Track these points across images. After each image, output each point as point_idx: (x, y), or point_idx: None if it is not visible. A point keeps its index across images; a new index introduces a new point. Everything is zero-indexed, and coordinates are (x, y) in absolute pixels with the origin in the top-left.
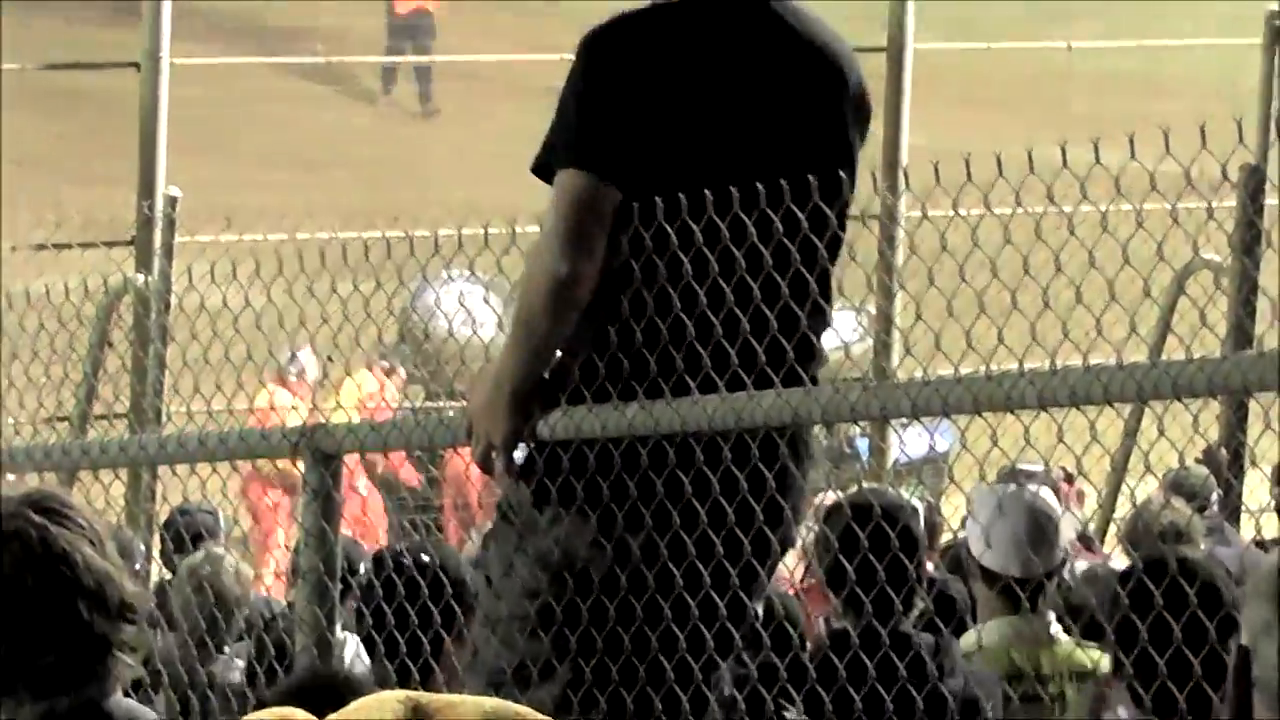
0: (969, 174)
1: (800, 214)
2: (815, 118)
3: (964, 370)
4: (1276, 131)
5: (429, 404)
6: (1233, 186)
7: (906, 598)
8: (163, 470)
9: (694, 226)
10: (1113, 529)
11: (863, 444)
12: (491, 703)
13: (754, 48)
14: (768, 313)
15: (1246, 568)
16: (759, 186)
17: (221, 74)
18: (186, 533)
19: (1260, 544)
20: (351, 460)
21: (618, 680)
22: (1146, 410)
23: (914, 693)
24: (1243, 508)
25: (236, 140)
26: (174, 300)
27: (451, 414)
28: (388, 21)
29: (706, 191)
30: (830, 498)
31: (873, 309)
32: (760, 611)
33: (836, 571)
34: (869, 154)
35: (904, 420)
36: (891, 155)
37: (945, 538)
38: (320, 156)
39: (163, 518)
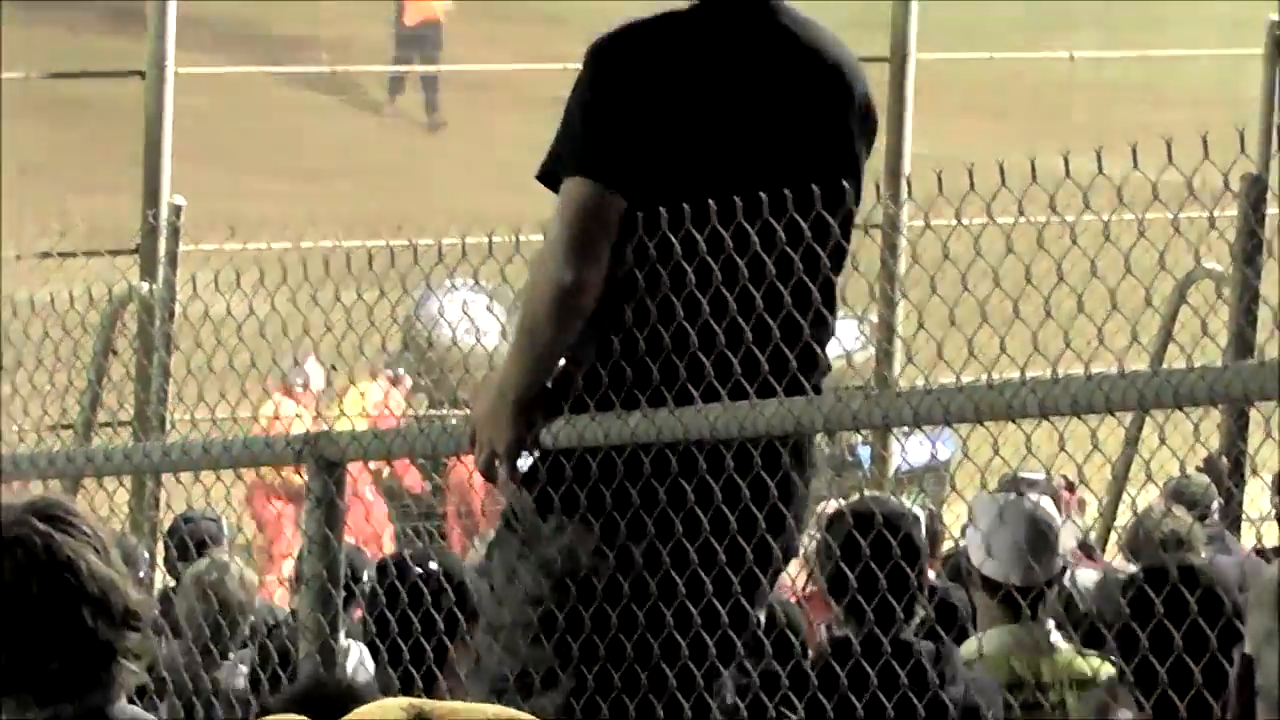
0: (971, 183)
1: (804, 223)
2: (821, 128)
3: (966, 379)
4: (1278, 141)
5: (432, 412)
6: (1234, 196)
7: (908, 606)
8: (166, 478)
9: (698, 236)
10: (1114, 537)
11: (865, 452)
12: (494, 709)
13: (760, 58)
14: (770, 322)
15: (1248, 576)
16: (762, 196)
17: (226, 83)
18: (190, 540)
19: (1261, 552)
20: (357, 468)
21: (620, 687)
22: (1148, 419)
23: (915, 700)
24: (1243, 516)
25: (241, 149)
26: (178, 308)
27: (455, 422)
28: (395, 32)
29: (710, 201)
30: (832, 506)
31: (875, 317)
32: (762, 619)
33: (838, 579)
34: (871, 163)
35: (906, 428)
36: (894, 164)
37: (947, 546)
38: (325, 165)
39: (166, 525)
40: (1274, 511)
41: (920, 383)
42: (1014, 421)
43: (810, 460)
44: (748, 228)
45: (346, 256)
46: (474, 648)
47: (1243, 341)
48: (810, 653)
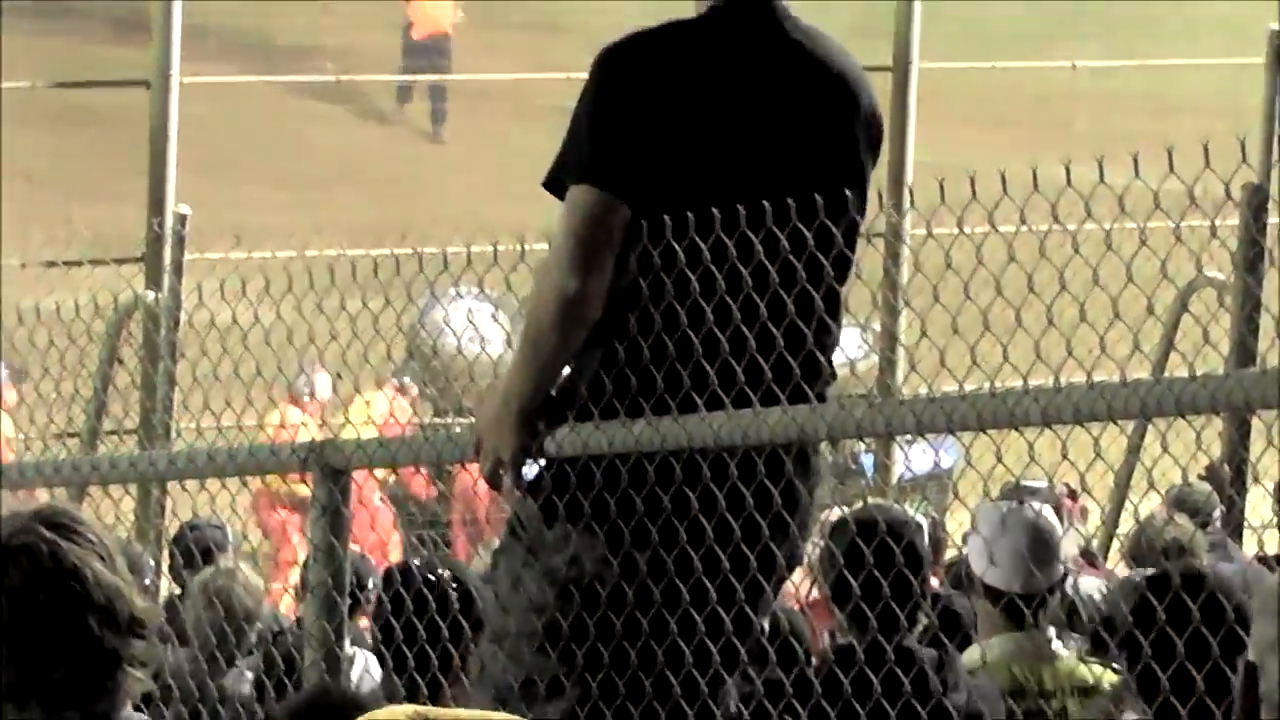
0: (974, 192)
1: (808, 233)
2: (827, 139)
3: (968, 387)
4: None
5: (437, 420)
6: (1236, 205)
7: (911, 613)
8: (172, 486)
9: (702, 245)
10: (1116, 545)
11: (868, 460)
12: (499, 717)
13: (767, 68)
14: (774, 331)
15: (1250, 584)
16: (766, 205)
17: (231, 92)
18: (195, 548)
19: (1263, 560)
20: (364, 476)
21: (624, 696)
22: (1150, 427)
23: (918, 708)
24: (1245, 524)
25: (245, 158)
26: (183, 317)
27: (459, 430)
28: (404, 42)
29: (714, 210)
30: (835, 513)
31: (877, 326)
32: (766, 627)
33: (841, 587)
34: (874, 172)
35: (909, 436)
36: (896, 173)
37: (950, 553)
38: (329, 174)
39: (172, 533)
40: (1275, 519)
41: (923, 391)
42: (1017, 429)
43: (814, 468)
44: (751, 237)
45: (351, 265)
46: (478, 656)
47: (1244, 350)
48: (814, 660)
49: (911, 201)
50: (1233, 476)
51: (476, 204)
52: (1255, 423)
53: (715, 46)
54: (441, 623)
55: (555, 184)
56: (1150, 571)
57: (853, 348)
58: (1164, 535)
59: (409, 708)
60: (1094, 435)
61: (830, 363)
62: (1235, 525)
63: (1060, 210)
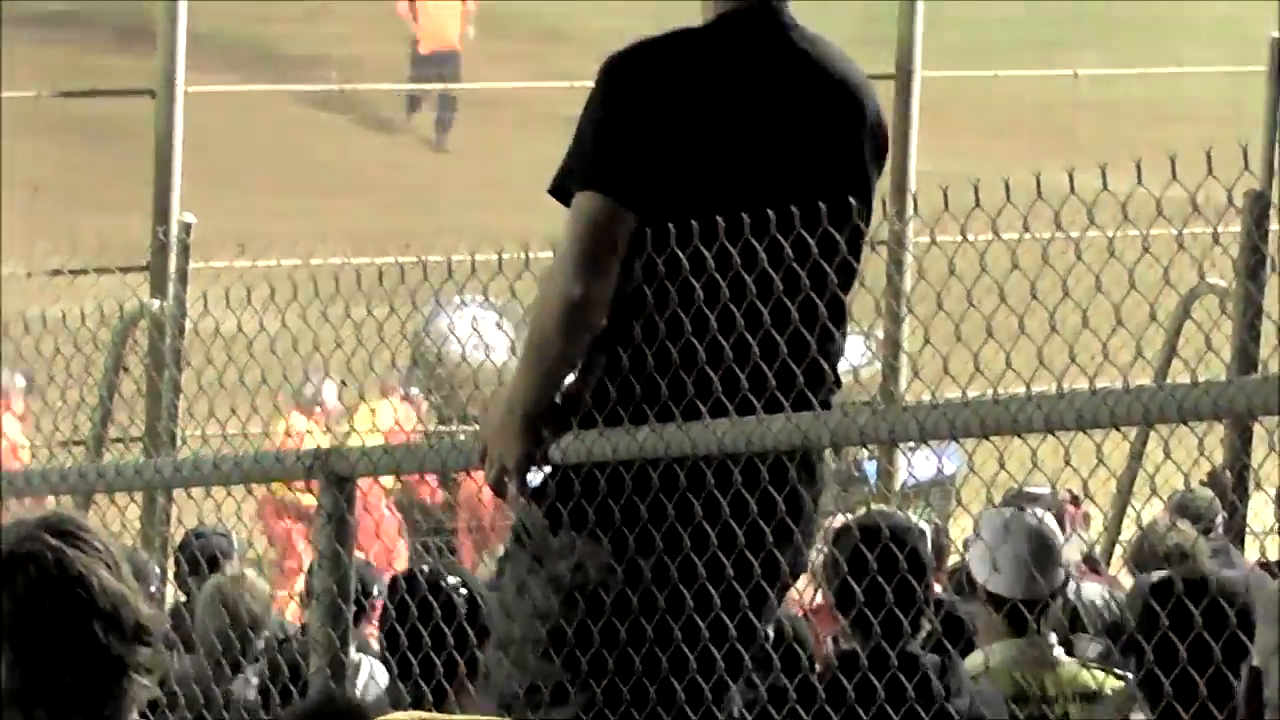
0: (977, 199)
1: (811, 240)
2: (832, 147)
3: (971, 394)
4: None
5: (442, 428)
6: (1238, 212)
7: (914, 619)
8: (177, 493)
9: (706, 253)
10: (1118, 551)
11: (871, 467)
12: None
13: (772, 77)
14: (778, 338)
15: (1252, 590)
16: (770, 213)
17: (236, 101)
18: (201, 555)
19: (1265, 566)
20: (368, 483)
21: (629, 702)
22: (1152, 433)
23: (921, 713)
24: (1247, 530)
25: (250, 167)
26: (189, 325)
27: (464, 437)
28: (411, 54)
29: (718, 218)
30: (839, 520)
31: (881, 333)
32: (770, 633)
33: (845, 593)
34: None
35: (912, 443)
36: (899, 180)
37: (953, 560)
38: (334, 183)
39: (177, 540)
40: (1277, 525)
41: (926, 398)
42: (1019, 436)
43: (818, 475)
44: (755, 244)
45: (356, 273)
46: (484, 662)
47: (1246, 356)
48: (817, 666)
49: (914, 209)
50: (1235, 482)
51: (480, 212)
52: (1257, 429)
53: (720, 54)
54: (447, 630)
55: (561, 191)
56: (1163, 573)
57: (856, 355)
58: (1166, 541)
59: (414, 714)
60: (1096, 441)
61: (835, 370)
62: (1237, 531)
63: (1063, 217)
